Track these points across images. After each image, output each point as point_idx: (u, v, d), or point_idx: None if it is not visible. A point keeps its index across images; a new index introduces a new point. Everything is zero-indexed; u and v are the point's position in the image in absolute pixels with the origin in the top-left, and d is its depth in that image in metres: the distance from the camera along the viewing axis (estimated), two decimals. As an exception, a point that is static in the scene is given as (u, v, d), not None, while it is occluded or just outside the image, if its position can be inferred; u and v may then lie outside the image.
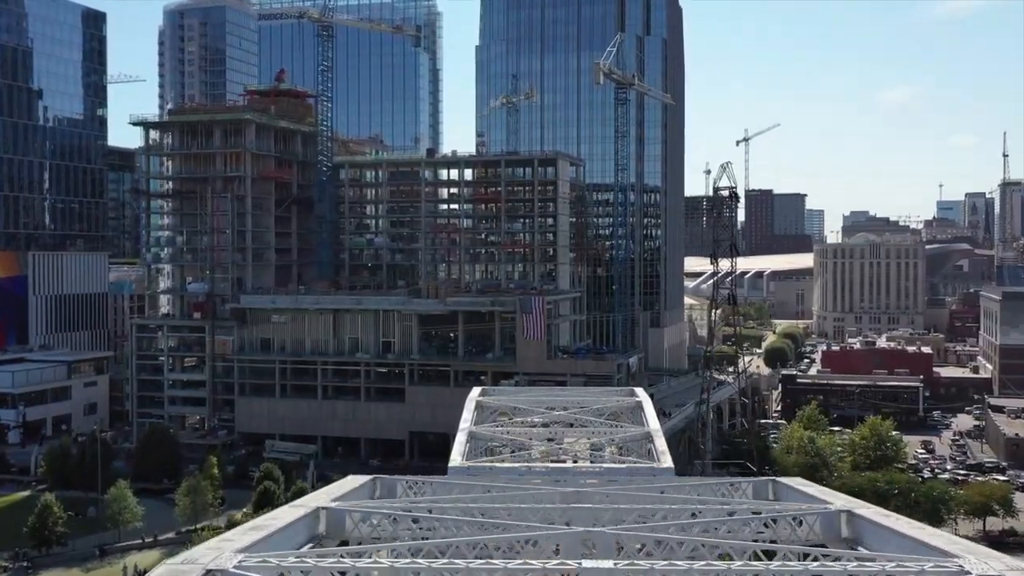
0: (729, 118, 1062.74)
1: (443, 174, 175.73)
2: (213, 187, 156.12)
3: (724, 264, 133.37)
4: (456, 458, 49.16)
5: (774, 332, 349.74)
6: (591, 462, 52.51)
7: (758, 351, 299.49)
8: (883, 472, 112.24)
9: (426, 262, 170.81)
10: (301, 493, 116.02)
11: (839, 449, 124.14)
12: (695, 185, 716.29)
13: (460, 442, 53.47)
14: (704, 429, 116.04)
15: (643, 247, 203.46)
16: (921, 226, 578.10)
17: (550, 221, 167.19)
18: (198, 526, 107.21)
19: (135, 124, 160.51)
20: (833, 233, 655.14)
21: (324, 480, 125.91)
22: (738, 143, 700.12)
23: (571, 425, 59.42)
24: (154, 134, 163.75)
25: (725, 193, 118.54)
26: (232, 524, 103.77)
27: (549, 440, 62.62)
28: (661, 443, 53.32)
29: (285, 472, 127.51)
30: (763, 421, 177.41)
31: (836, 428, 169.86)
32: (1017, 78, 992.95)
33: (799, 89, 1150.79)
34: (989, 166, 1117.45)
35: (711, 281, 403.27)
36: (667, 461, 41.88)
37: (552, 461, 49.60)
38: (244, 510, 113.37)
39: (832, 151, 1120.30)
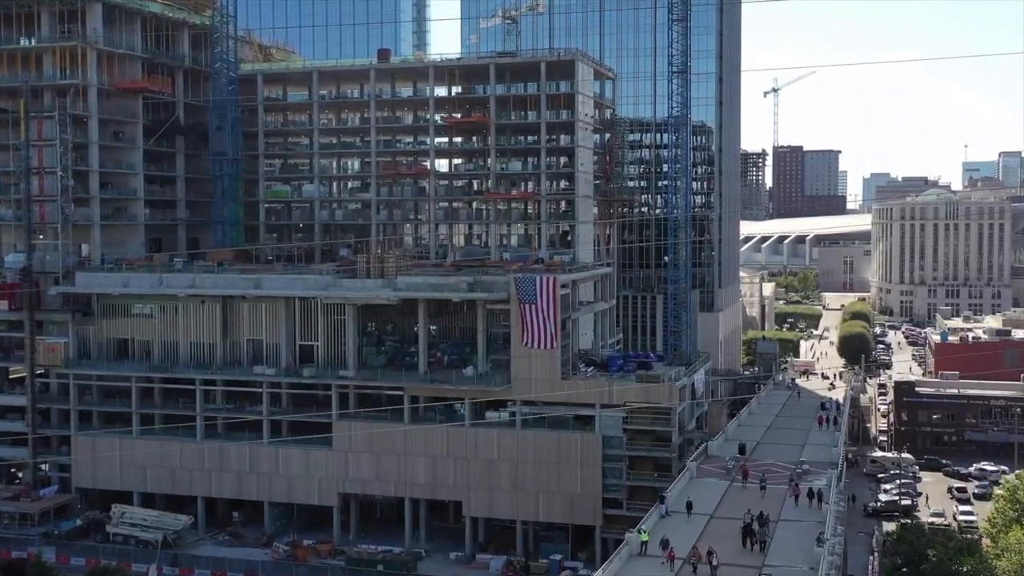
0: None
1: (406, 91, 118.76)
2: (36, 102, 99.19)
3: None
4: None
5: (825, 307, 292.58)
6: None
7: (816, 332, 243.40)
8: None
9: (380, 221, 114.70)
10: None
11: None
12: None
13: None
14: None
15: (690, 203, 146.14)
16: (965, 186, 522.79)
17: (564, 159, 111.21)
18: None
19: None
20: (853, 196, 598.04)
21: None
22: (765, 95, 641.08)
23: None
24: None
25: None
26: None
27: None
28: None
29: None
30: (873, 455, 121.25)
31: (985, 468, 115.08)
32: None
33: (815, 49, 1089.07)
34: (1007, 126, 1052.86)
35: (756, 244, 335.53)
36: None
37: None
38: None
39: (848, 113, 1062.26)
